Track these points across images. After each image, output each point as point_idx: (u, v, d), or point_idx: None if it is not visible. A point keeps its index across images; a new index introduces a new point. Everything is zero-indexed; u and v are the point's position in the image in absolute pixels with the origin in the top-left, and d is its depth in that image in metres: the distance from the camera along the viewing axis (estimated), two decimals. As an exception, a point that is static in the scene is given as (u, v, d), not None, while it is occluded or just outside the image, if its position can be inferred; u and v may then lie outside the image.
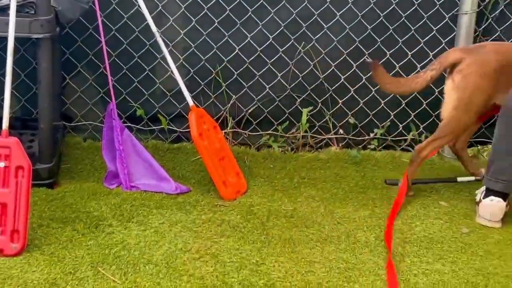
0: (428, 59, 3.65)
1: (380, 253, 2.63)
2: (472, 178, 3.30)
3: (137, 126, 3.70)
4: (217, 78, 3.66)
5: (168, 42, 3.57)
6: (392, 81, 3.19)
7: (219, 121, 3.64)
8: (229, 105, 3.70)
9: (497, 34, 3.66)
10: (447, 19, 3.62)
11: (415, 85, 3.09)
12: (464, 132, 3.18)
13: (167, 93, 3.67)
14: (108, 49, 3.40)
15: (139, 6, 3.19)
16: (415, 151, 3.14)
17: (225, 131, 3.69)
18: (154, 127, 3.71)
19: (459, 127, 3.07)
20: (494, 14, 3.63)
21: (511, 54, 3.01)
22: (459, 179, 3.35)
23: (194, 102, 3.19)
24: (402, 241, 2.75)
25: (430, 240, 2.78)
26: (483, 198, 2.94)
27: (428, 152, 3.13)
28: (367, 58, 3.54)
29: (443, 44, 3.65)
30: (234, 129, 3.74)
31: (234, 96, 3.69)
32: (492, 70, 2.96)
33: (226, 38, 3.60)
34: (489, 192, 2.93)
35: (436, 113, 3.75)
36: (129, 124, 3.62)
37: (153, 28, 3.12)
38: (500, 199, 2.90)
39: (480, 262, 2.61)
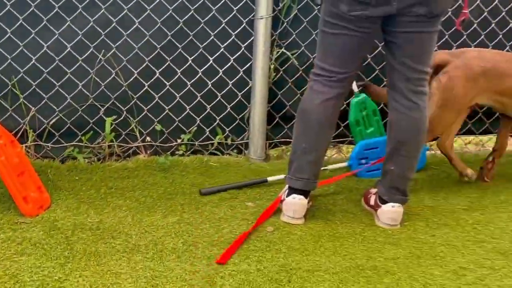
0: (229, 63, 3.72)
1: (188, 259, 2.63)
2: (282, 176, 3.40)
3: None
4: (14, 89, 3.50)
5: (-44, 54, 3.37)
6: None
7: (19, 135, 3.50)
8: (29, 117, 3.54)
9: (292, 37, 3.80)
10: (244, 24, 3.70)
11: None
12: (445, 129, 3.42)
13: (-41, 108, 3.46)
14: None
15: None
16: None
17: (26, 144, 3.54)
18: None
19: (442, 125, 3.35)
20: (288, 18, 3.76)
21: (491, 61, 3.36)
22: (269, 179, 3.45)
23: (-12, 116, 3.03)
24: (209, 244, 2.76)
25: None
26: (286, 197, 3.03)
27: None
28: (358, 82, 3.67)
29: (243, 49, 3.73)
30: (36, 142, 3.60)
31: (33, 108, 3.54)
32: (476, 74, 3.31)
33: (20, 48, 3.46)
34: (291, 190, 3.03)
35: (240, 116, 3.83)
36: None
37: None
38: (302, 197, 3.01)
39: (284, 258, 2.69)
